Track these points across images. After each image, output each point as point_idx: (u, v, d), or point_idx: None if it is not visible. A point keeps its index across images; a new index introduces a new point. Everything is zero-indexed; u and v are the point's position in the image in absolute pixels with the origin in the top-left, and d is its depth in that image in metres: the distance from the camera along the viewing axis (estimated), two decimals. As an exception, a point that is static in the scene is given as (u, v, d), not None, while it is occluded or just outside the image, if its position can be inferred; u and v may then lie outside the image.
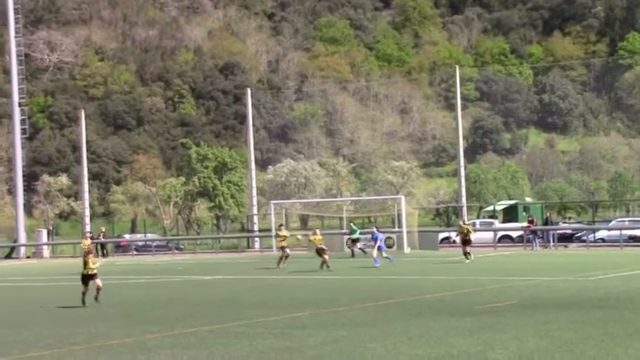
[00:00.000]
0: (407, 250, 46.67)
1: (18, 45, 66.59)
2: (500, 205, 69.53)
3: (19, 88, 66.12)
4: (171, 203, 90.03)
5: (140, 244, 63.76)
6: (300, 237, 41.91)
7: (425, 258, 40.73)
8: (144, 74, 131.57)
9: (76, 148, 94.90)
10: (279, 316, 19.21)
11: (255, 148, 72.04)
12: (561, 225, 54.98)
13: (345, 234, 49.11)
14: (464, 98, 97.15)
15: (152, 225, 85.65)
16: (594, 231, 51.75)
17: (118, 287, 28.90)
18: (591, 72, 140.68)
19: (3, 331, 18.80)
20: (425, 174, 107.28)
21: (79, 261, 24.89)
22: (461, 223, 39.62)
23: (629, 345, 13.84)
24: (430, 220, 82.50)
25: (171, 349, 15.18)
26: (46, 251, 63.07)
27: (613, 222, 54.25)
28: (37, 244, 63.75)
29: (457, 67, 70.79)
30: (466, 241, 36.57)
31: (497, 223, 57.72)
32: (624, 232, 48.00)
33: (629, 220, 54.84)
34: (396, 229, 49.13)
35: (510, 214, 63.45)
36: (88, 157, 73.75)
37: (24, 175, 67.11)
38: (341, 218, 59.61)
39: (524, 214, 59.33)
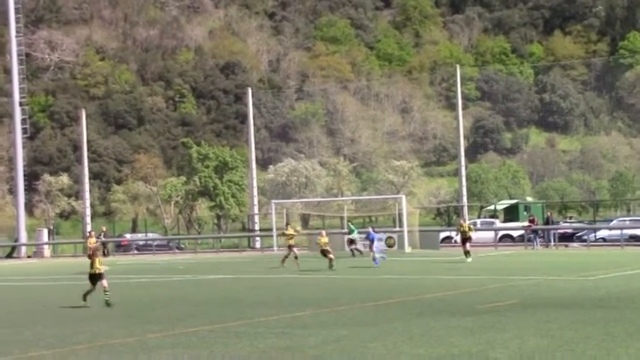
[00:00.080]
0: (408, 249, 46.72)
1: (19, 44, 66.65)
2: (501, 205, 69.62)
3: (20, 88, 66.16)
4: (172, 203, 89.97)
5: (141, 243, 63.85)
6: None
7: (426, 257, 40.76)
8: (145, 74, 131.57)
9: (76, 148, 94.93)
10: (279, 315, 19.21)
11: (255, 148, 72.07)
12: (562, 224, 55.04)
13: (345, 234, 49.12)
14: (465, 98, 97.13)
15: (153, 224, 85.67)
16: (595, 230, 51.76)
17: (119, 287, 28.88)
18: (592, 71, 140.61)
19: (4, 330, 18.79)
20: (426, 173, 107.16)
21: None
22: (461, 221, 39.71)
23: (629, 345, 13.84)
24: (431, 220, 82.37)
25: (172, 348, 15.18)
26: (46, 251, 63.18)
27: (614, 221, 54.30)
28: (38, 243, 63.84)
29: (458, 66, 70.78)
30: (466, 240, 36.59)
31: (498, 223, 57.79)
32: (625, 231, 48.02)
33: (630, 220, 54.91)
34: (397, 229, 49.22)
35: (511, 213, 63.50)
36: (88, 157, 73.82)
37: (25, 175, 67.15)
38: (342, 218, 59.61)
39: (525, 213, 59.38)
